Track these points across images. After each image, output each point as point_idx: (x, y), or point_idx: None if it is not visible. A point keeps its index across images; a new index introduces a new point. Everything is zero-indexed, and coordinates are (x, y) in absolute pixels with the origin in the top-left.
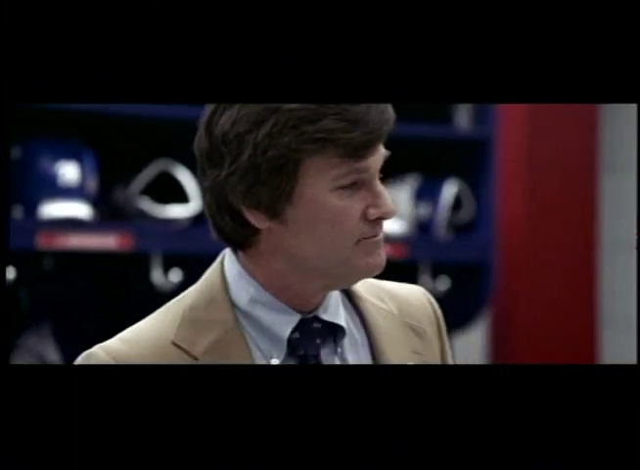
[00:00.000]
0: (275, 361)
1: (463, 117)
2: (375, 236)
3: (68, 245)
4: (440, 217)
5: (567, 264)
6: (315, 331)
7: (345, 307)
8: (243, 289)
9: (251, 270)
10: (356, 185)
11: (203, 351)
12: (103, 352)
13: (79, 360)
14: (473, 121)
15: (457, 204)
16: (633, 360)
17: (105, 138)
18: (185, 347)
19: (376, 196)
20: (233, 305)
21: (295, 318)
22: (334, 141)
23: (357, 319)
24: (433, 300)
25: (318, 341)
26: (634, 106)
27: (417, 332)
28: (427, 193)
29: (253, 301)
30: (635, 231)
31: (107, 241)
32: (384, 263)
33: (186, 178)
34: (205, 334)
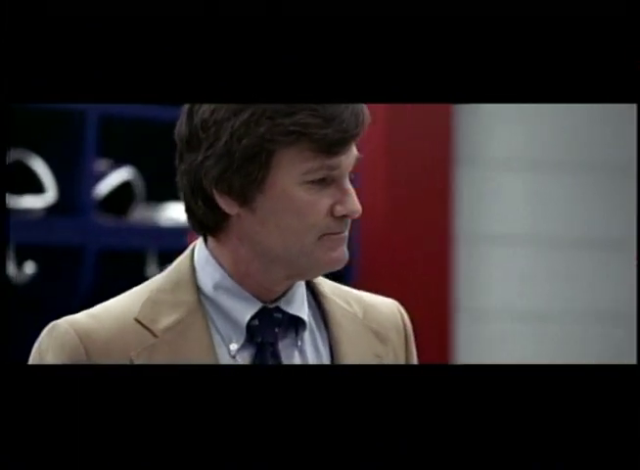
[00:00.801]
0: (234, 346)
1: None
2: (339, 233)
3: None
4: None
5: (424, 256)
6: (275, 320)
7: (309, 305)
8: (208, 275)
9: (218, 256)
10: (326, 181)
11: (163, 329)
12: (66, 324)
13: (45, 331)
14: None
15: None
16: (486, 352)
17: None
18: (146, 323)
19: (344, 194)
20: (198, 289)
21: (256, 306)
22: (308, 135)
23: (319, 317)
24: (404, 313)
25: (277, 330)
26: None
27: (380, 337)
28: None
29: (217, 286)
30: (488, 224)
31: None
32: (346, 259)
33: (41, 168)
34: (168, 314)
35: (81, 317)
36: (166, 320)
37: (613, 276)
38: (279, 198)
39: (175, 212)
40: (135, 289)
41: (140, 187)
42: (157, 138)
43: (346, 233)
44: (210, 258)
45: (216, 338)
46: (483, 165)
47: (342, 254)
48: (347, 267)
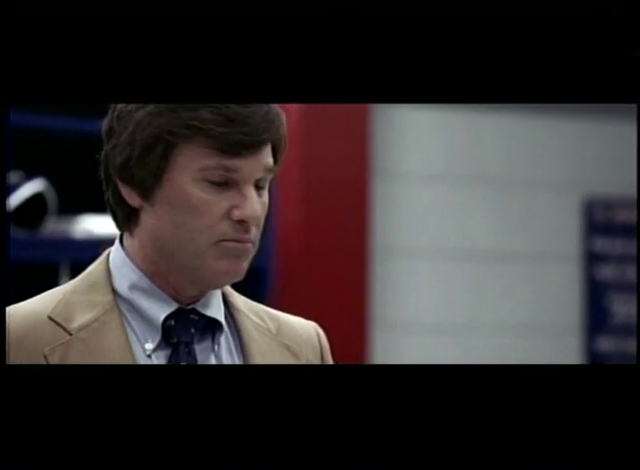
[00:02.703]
0: (149, 346)
1: None
2: (235, 241)
3: None
4: None
5: (341, 268)
6: (192, 322)
7: (225, 318)
8: (124, 276)
9: (132, 255)
10: (227, 185)
11: (77, 327)
12: None
13: None
14: None
15: None
16: (403, 361)
17: None
18: (60, 321)
19: (242, 198)
20: (113, 290)
21: (171, 306)
22: (205, 131)
23: (233, 328)
24: (322, 334)
25: (193, 330)
26: (405, 112)
27: (294, 353)
28: None
29: (133, 287)
30: (407, 237)
31: None
32: (241, 273)
33: None
34: (82, 313)
35: None
36: (81, 319)
37: (525, 289)
38: (175, 193)
39: (89, 224)
40: (48, 291)
41: (53, 199)
42: (69, 150)
43: (248, 245)
44: (127, 259)
45: (132, 337)
46: (399, 179)
47: (236, 265)
48: (264, 280)
